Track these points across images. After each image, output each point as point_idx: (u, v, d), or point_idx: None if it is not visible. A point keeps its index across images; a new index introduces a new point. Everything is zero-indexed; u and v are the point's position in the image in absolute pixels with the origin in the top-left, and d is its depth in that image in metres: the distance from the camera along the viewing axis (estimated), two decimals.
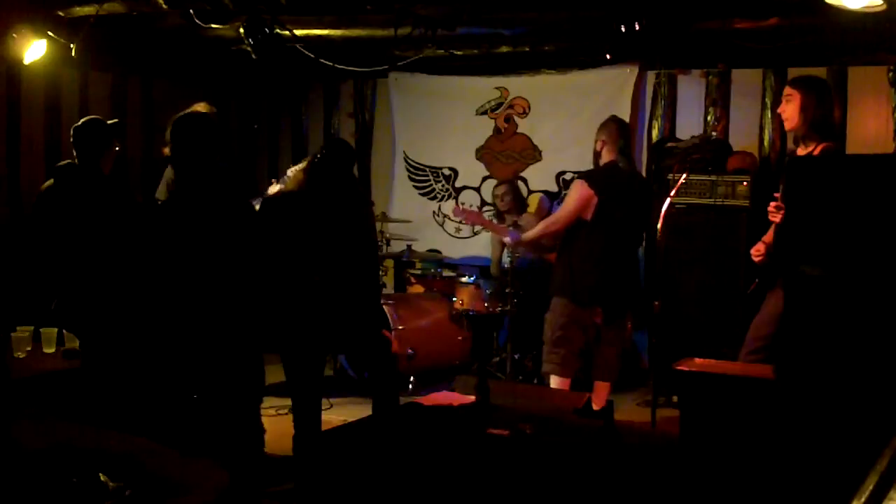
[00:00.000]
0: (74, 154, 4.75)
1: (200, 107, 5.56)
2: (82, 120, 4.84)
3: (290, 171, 4.56)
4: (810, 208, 3.08)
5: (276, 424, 4.83)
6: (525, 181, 7.35)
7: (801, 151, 4.29)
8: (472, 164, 7.54)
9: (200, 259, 3.78)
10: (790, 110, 4.27)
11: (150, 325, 3.86)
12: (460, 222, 7.50)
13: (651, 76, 6.83)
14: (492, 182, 7.38)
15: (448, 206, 7.63)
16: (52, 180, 4.82)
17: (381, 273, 6.73)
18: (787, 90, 4.34)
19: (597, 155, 5.24)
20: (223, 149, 4.77)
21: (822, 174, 3.21)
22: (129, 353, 4.66)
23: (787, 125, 4.34)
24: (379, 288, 5.25)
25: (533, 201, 7.27)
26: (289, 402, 4.77)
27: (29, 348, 4.28)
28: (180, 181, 3.84)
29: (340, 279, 4.33)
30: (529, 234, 5.55)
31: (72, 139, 4.74)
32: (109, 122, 4.93)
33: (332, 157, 4.43)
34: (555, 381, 5.24)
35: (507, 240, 5.74)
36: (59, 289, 4.67)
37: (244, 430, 4.12)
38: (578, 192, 5.16)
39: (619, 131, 5.28)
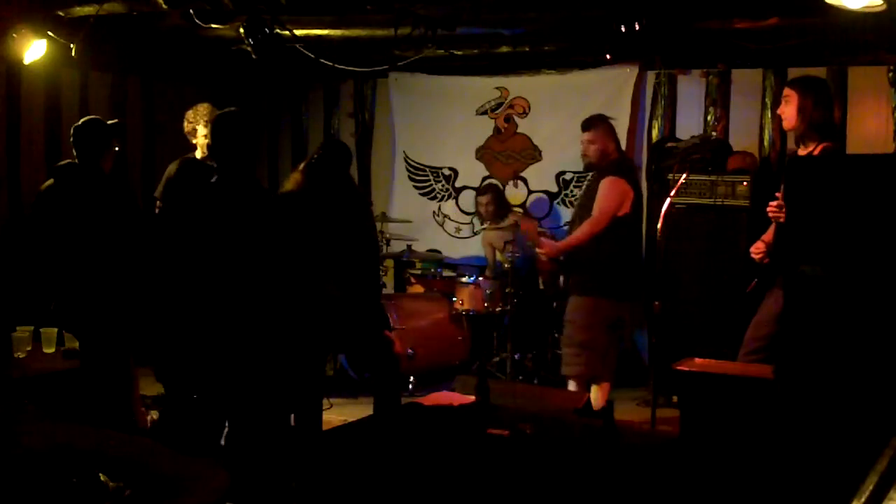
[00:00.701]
0: (74, 154, 4.75)
1: (203, 108, 5.57)
2: (82, 120, 4.84)
3: None
4: (810, 208, 3.08)
5: None
6: (525, 181, 7.35)
7: (801, 151, 4.29)
8: (472, 164, 7.54)
9: (239, 254, 3.73)
10: (788, 111, 4.28)
11: (187, 322, 3.80)
12: (464, 223, 7.53)
13: (651, 76, 6.82)
14: (492, 182, 7.40)
15: (448, 206, 7.66)
16: (51, 180, 4.81)
17: (381, 273, 6.73)
18: (785, 91, 4.35)
19: (604, 154, 5.20)
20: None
21: (823, 174, 3.21)
22: (130, 352, 4.66)
23: (786, 125, 4.35)
24: (379, 288, 5.25)
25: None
26: None
27: (29, 348, 4.29)
28: (220, 175, 3.80)
29: (340, 279, 4.33)
30: (573, 240, 5.24)
31: (72, 139, 4.74)
32: (109, 122, 4.93)
33: (328, 157, 4.45)
34: (573, 385, 5.22)
35: (540, 251, 5.46)
36: (59, 289, 4.67)
37: (260, 435, 4.08)
38: (619, 189, 5.08)
39: (613, 129, 5.31)
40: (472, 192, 7.51)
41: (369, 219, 4.79)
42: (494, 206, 6.80)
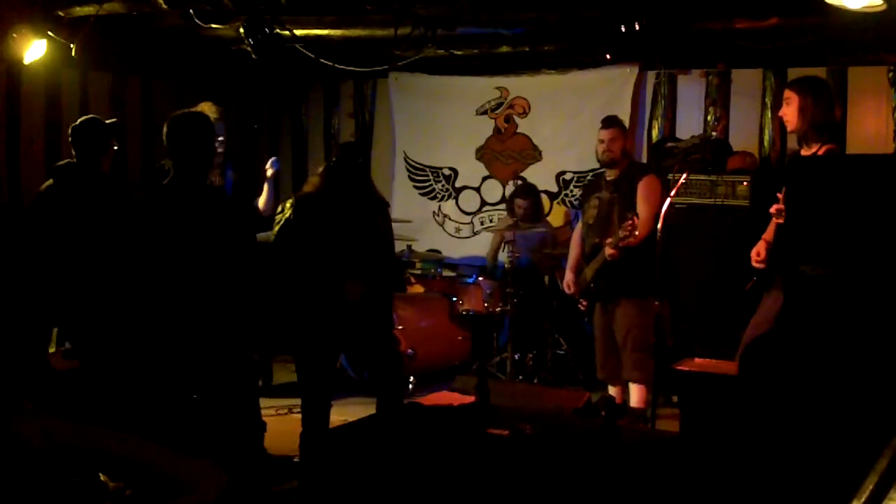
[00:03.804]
0: (73, 154, 4.74)
1: (206, 106, 5.57)
2: (80, 119, 4.84)
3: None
4: (810, 208, 3.08)
5: (278, 424, 4.83)
6: (525, 181, 7.35)
7: (804, 152, 4.29)
8: (472, 164, 7.55)
9: (191, 256, 3.78)
10: (790, 113, 4.28)
11: (146, 324, 3.85)
12: (464, 223, 7.54)
13: (651, 76, 6.82)
14: (492, 182, 7.42)
15: (448, 206, 7.66)
16: (51, 180, 4.81)
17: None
18: (786, 93, 4.35)
19: (625, 151, 5.35)
20: (227, 148, 4.79)
21: (823, 174, 3.21)
22: (127, 352, 4.66)
23: (789, 127, 4.35)
24: (391, 289, 5.22)
25: (557, 212, 7.19)
26: (289, 401, 4.75)
27: None
28: (176, 177, 3.85)
29: (364, 279, 4.38)
30: (643, 234, 5.08)
31: (70, 139, 4.74)
32: (108, 121, 4.93)
33: (344, 160, 4.54)
34: (637, 391, 5.26)
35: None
36: (58, 289, 4.66)
37: (244, 428, 4.13)
38: (659, 187, 5.24)
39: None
40: (473, 192, 7.52)
41: (386, 221, 4.80)
42: (531, 210, 6.70)
